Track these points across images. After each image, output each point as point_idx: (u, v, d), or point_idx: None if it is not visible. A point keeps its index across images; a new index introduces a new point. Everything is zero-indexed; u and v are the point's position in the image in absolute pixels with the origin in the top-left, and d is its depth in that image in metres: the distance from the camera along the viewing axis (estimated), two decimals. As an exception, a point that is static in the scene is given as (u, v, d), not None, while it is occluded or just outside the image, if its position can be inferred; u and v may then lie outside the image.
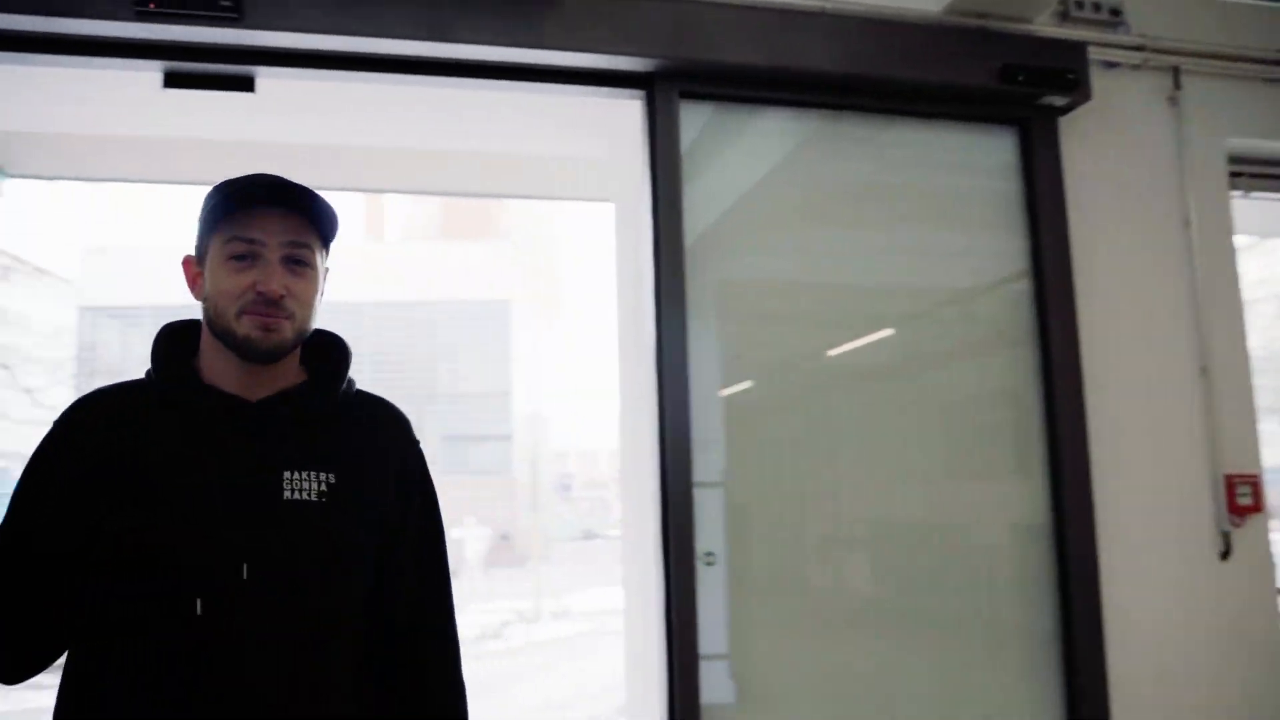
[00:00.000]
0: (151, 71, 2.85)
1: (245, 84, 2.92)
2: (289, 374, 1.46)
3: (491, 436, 25.21)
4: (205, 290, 1.41)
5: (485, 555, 21.73)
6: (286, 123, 3.46)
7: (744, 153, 3.27)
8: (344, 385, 1.50)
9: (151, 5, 2.62)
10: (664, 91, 3.00)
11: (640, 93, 3.06)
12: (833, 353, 3.32)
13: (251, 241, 1.38)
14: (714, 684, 2.93)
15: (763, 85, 3.14)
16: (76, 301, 24.17)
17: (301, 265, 1.41)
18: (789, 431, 3.24)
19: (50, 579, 1.33)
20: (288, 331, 1.39)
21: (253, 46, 2.80)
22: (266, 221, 1.39)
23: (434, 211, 29.92)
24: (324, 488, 1.39)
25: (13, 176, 5.30)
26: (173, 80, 2.87)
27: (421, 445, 1.56)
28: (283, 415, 1.42)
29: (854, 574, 3.24)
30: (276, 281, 1.37)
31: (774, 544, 3.15)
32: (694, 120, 3.11)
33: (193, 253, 1.45)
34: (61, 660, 1.39)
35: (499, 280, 24.50)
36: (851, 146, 3.42)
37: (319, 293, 1.46)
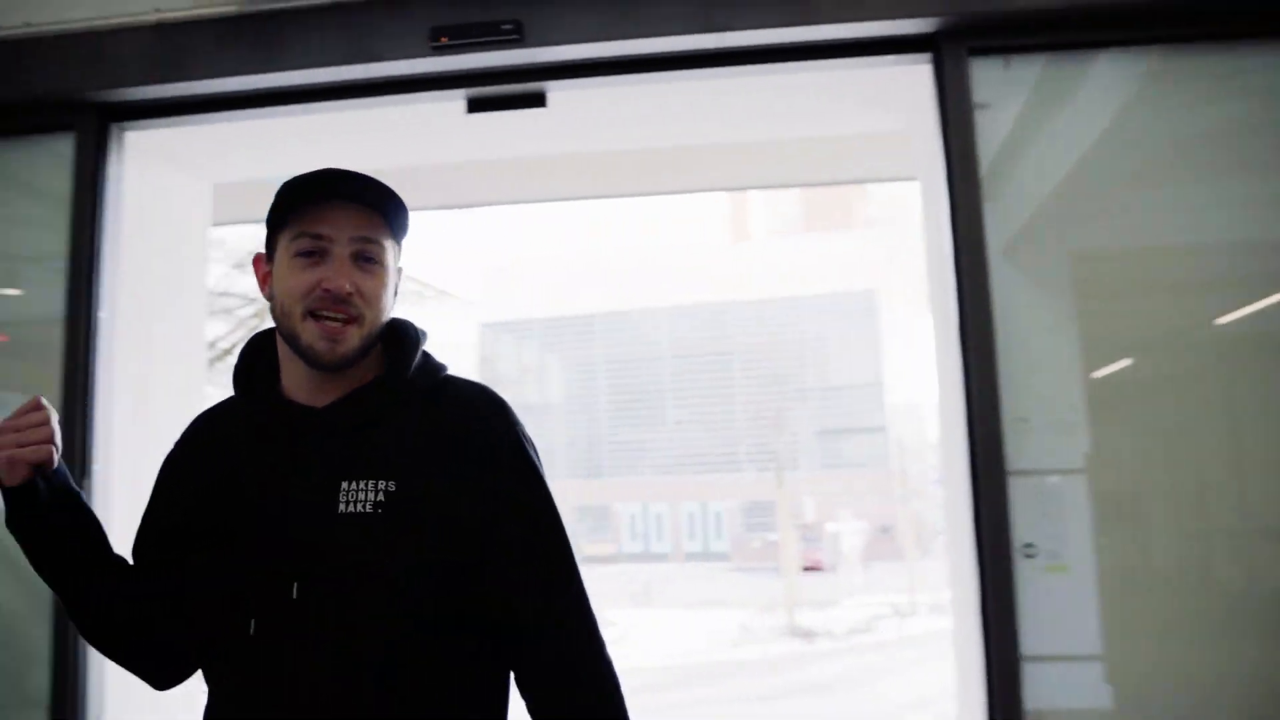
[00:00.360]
0: (455, 100, 3.07)
1: (538, 100, 3.06)
2: (364, 372, 1.36)
3: (865, 429, 24.87)
4: (272, 289, 1.34)
5: (863, 549, 21.47)
6: (577, 132, 3.59)
7: (1075, 108, 2.95)
8: (410, 373, 1.37)
9: (444, 40, 2.82)
10: (951, 51, 2.77)
11: (926, 56, 2.85)
12: (1221, 321, 2.91)
13: (319, 237, 1.30)
14: (1082, 687, 2.68)
15: (1070, 28, 2.81)
16: (478, 319, 26.86)
17: (371, 263, 1.33)
18: (1172, 412, 2.88)
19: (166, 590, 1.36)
20: (354, 340, 1.30)
21: (539, 64, 2.93)
22: (335, 217, 1.31)
23: (795, 207, 30.07)
24: (381, 497, 1.27)
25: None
26: (474, 105, 3.08)
27: (525, 432, 1.39)
28: (347, 420, 1.33)
29: (1262, 570, 2.81)
30: (345, 278, 1.29)
31: (1155, 535, 2.81)
32: (1011, 80, 2.86)
33: (263, 250, 1.38)
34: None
35: (863, 270, 24.13)
36: (1204, 83, 2.98)
37: (392, 291, 1.37)
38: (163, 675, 1.41)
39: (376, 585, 1.25)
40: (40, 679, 2.94)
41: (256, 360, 1.40)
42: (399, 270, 1.39)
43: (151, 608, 1.37)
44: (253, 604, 1.26)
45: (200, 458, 1.40)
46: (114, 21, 3.10)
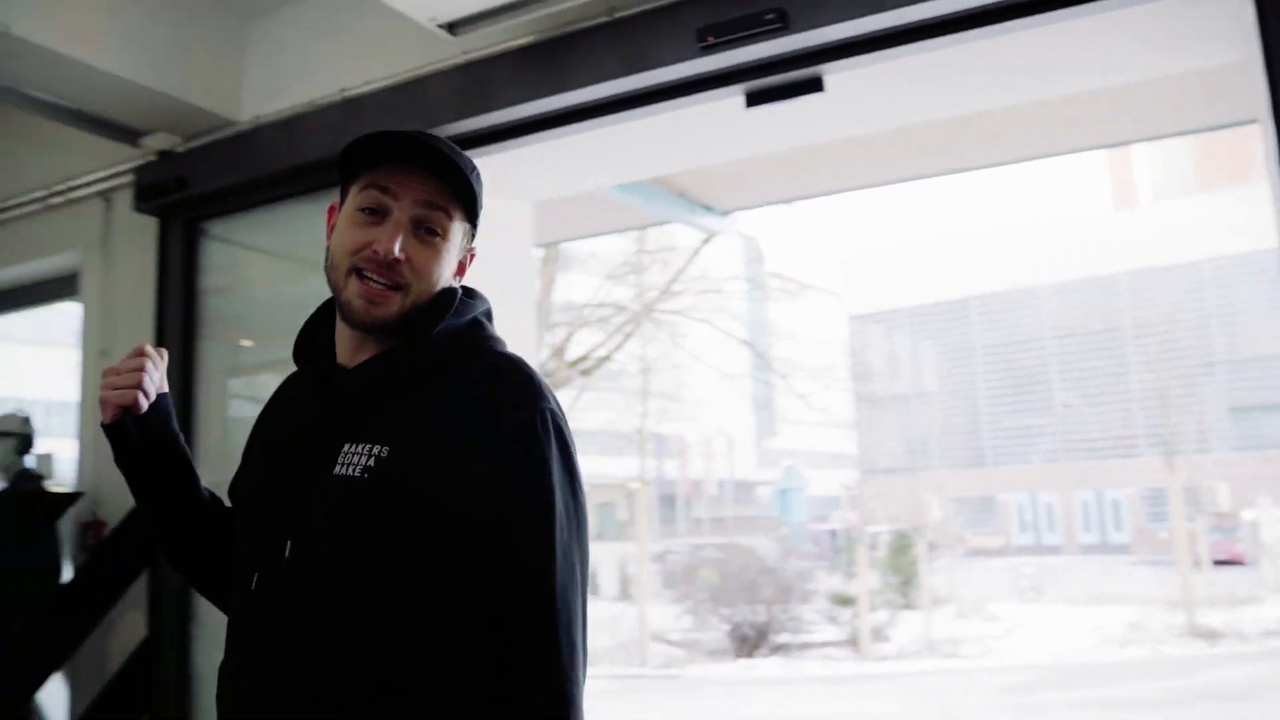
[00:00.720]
0: (735, 96, 3.09)
1: (815, 85, 3.01)
2: (400, 336, 1.33)
3: (1287, 404, 21.90)
4: (332, 239, 1.35)
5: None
6: (856, 113, 3.46)
7: None
8: (430, 341, 1.32)
9: (710, 39, 2.85)
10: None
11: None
12: None
13: (385, 190, 1.30)
14: None
15: None
16: (846, 311, 26.69)
17: (432, 234, 1.31)
18: None
19: None
20: (393, 307, 1.29)
21: (808, 48, 2.88)
22: (405, 179, 1.30)
23: (1185, 166, 27.10)
24: (371, 462, 1.24)
25: (725, 213, 6.08)
26: (752, 99, 3.08)
27: (548, 408, 1.29)
28: (364, 380, 1.31)
29: None
30: (395, 242, 1.27)
31: None
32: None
33: (336, 201, 1.39)
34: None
35: (1268, 229, 21.21)
36: None
37: (450, 266, 1.35)
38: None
39: (356, 551, 1.23)
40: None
41: (320, 327, 1.42)
42: (470, 251, 1.40)
43: (224, 545, 1.45)
44: (256, 561, 1.30)
45: (270, 415, 1.47)
46: (430, 68, 3.43)
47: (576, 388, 14.95)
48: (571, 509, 1.27)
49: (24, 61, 3.54)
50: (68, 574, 4.06)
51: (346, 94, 3.66)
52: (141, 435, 1.37)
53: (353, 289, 1.29)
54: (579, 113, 3.24)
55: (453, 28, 3.17)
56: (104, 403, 1.34)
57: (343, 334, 1.35)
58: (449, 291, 1.36)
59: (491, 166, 3.52)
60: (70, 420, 4.54)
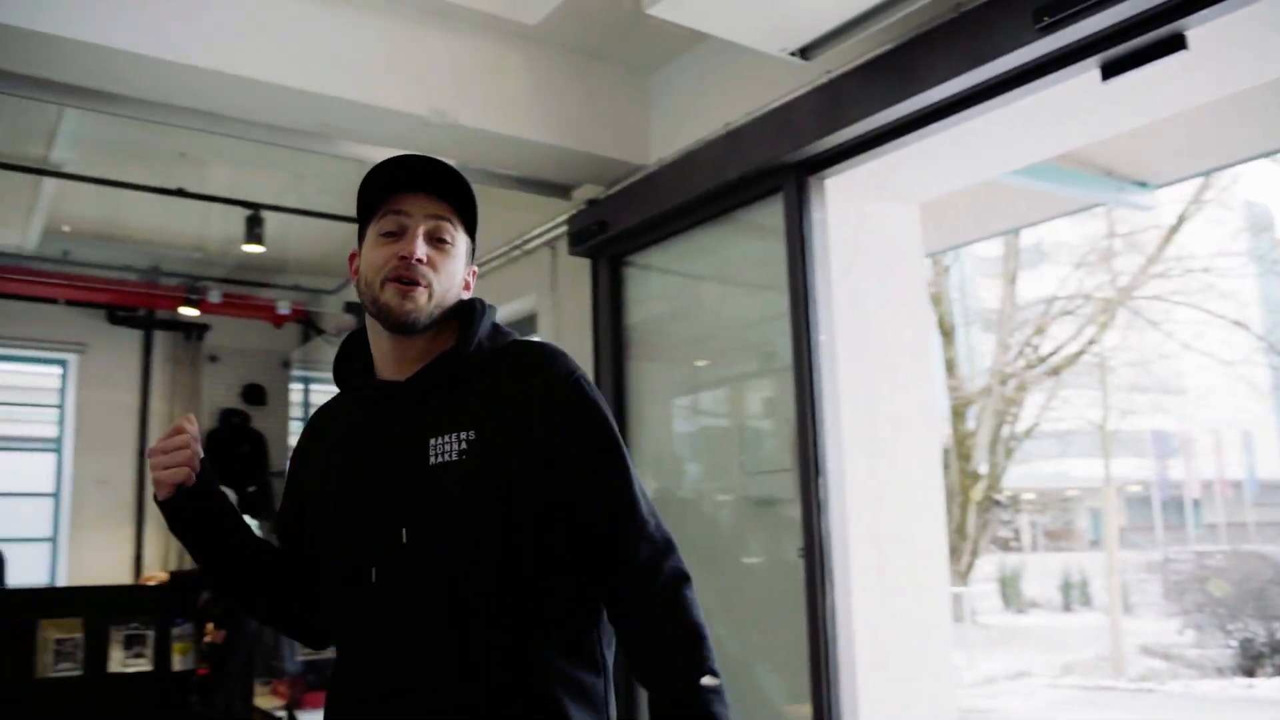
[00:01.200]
0: (1089, 71, 2.97)
1: (1177, 44, 2.81)
2: (439, 345, 1.56)
3: None
4: (360, 269, 1.57)
5: None
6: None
7: None
8: (475, 341, 1.54)
9: (1045, 19, 2.79)
10: None
11: None
12: None
13: (399, 214, 1.53)
14: None
15: None
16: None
17: (442, 242, 1.54)
18: None
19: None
20: (422, 299, 1.50)
21: (1154, 7, 2.71)
22: (416, 200, 1.54)
23: None
24: (464, 445, 1.46)
25: (1157, 187, 5.65)
26: (1109, 70, 2.94)
27: (578, 372, 1.54)
28: (428, 385, 1.52)
29: None
30: (418, 246, 1.50)
31: None
32: None
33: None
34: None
35: None
36: None
37: (460, 272, 1.58)
38: (314, 636, 1.70)
39: (469, 522, 1.44)
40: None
41: (351, 359, 1.65)
42: (470, 264, 1.62)
43: (291, 581, 1.66)
44: (371, 555, 1.48)
45: (315, 444, 1.68)
46: (792, 93, 3.67)
47: (1045, 389, 14.21)
48: (619, 437, 1.55)
49: (471, 143, 4.32)
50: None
51: (730, 127, 4.00)
52: (195, 504, 1.58)
53: (388, 293, 1.51)
54: (933, 113, 3.29)
55: (804, 53, 3.38)
56: (158, 483, 1.54)
57: (384, 355, 1.58)
58: (476, 303, 1.61)
59: (861, 177, 3.69)
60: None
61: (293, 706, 6.71)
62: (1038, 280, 15.92)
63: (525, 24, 4.21)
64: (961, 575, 17.05)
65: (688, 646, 1.42)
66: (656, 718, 1.41)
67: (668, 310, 4.69)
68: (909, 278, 4.20)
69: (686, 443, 4.53)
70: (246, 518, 4.65)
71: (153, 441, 7.71)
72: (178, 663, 5.87)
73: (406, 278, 1.49)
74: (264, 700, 7.01)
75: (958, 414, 18.04)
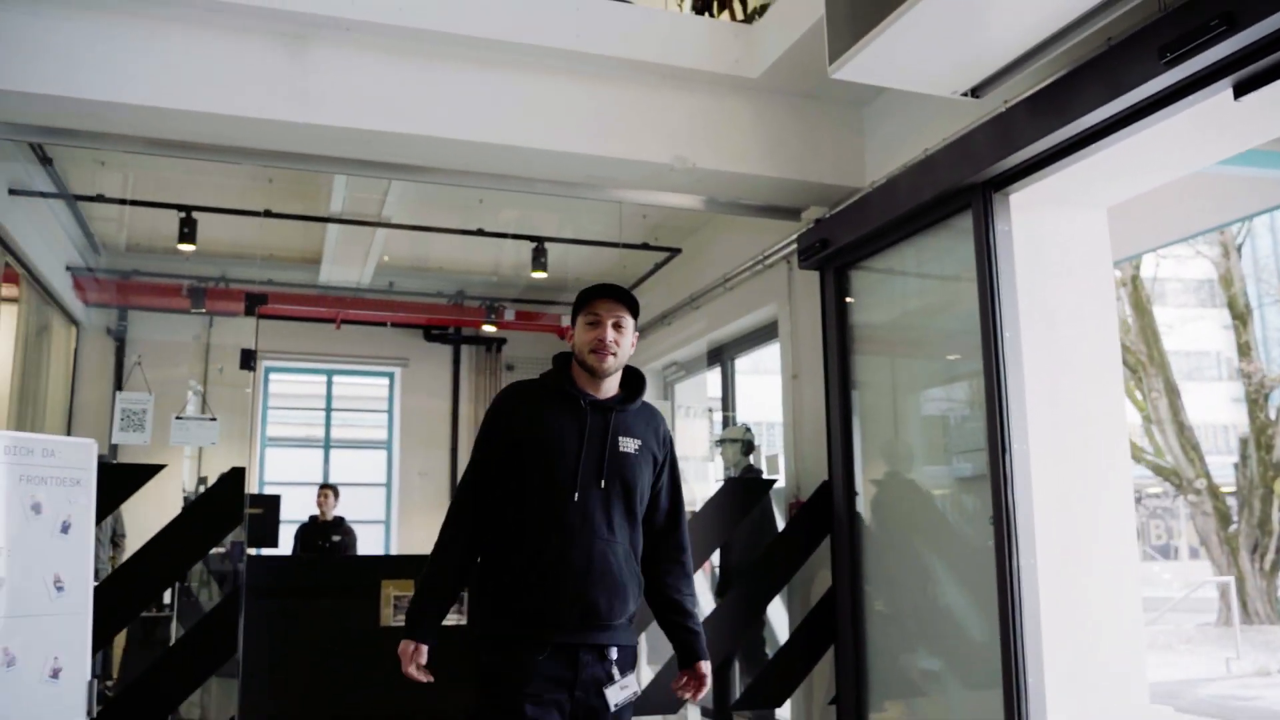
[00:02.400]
0: (1223, 92, 3.39)
1: (1298, 65, 3.20)
2: (614, 387, 2.80)
3: None
4: (574, 341, 2.78)
5: None
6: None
7: None
8: (639, 397, 2.83)
9: (1169, 54, 3.27)
10: None
11: None
12: None
13: (596, 314, 2.74)
14: None
15: None
16: None
17: (619, 328, 2.74)
18: None
19: (496, 483, 2.73)
20: (612, 363, 2.73)
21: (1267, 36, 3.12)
22: (603, 305, 2.74)
23: None
24: (636, 447, 2.77)
25: None
26: (1240, 89, 3.36)
27: (669, 432, 2.93)
28: (615, 408, 2.76)
29: None
30: (609, 334, 2.72)
31: None
32: None
33: (567, 323, 2.72)
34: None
35: None
36: None
37: (630, 343, 2.78)
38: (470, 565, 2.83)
39: (634, 484, 2.77)
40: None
41: (561, 364, 2.83)
42: (635, 334, 2.82)
43: (480, 532, 2.76)
44: (579, 486, 2.67)
45: (527, 411, 2.75)
46: (977, 122, 4.24)
47: None
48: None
49: (710, 182, 5.18)
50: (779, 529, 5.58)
51: (927, 153, 4.61)
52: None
53: (591, 359, 2.73)
54: (1088, 137, 3.80)
55: (974, 92, 3.98)
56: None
57: (584, 378, 2.77)
58: (640, 373, 2.91)
59: (1042, 191, 4.21)
60: (778, 433, 6.13)
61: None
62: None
63: (749, 78, 5.02)
64: (1265, 573, 16.11)
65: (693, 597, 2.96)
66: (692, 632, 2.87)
67: (884, 313, 5.32)
68: (1092, 277, 4.60)
69: (905, 427, 5.14)
70: None
71: (464, 438, 9.03)
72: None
73: (602, 351, 2.72)
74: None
75: (1254, 402, 17.05)
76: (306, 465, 9.25)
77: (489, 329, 9.09)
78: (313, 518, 7.82)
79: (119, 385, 8.43)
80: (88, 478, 4.27)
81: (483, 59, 4.72)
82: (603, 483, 2.68)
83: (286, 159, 4.83)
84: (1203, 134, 3.92)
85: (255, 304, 5.56)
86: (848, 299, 5.44)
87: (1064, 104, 3.74)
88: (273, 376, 9.29)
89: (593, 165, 5.02)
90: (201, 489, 7.22)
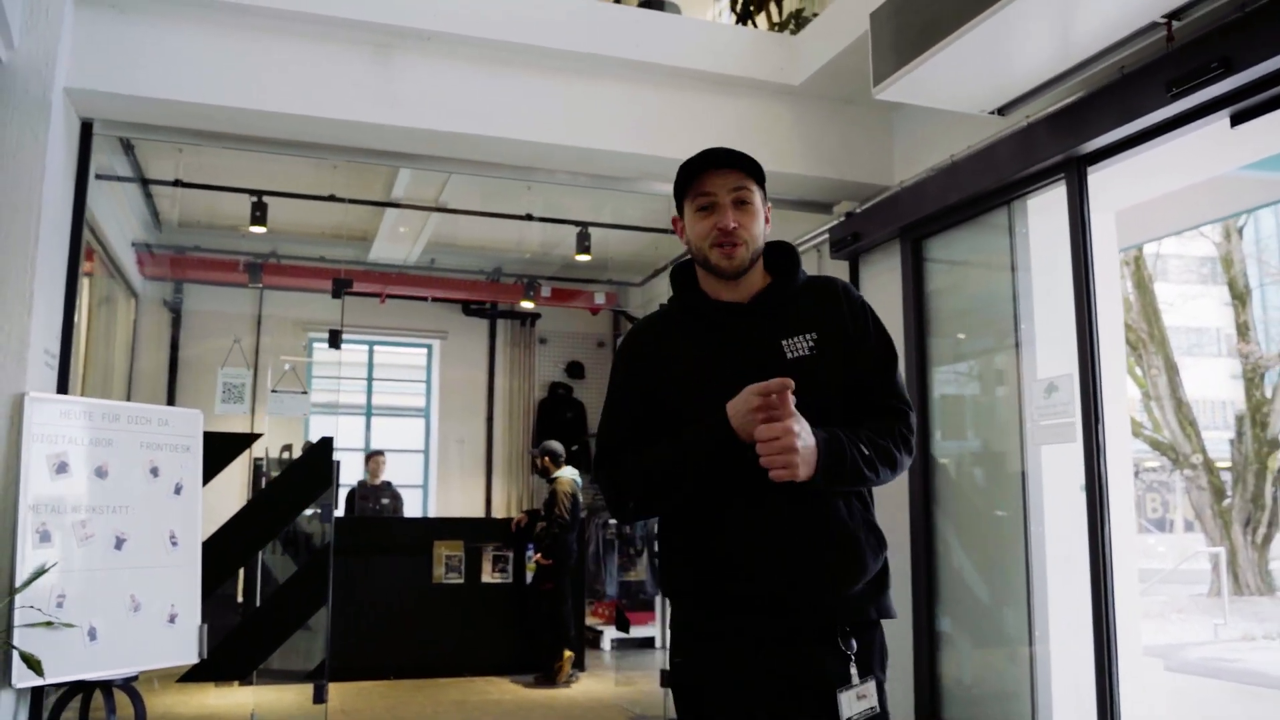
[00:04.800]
0: (1221, 120, 3.84)
1: (1287, 101, 3.65)
2: (759, 279, 2.03)
3: None
4: (687, 236, 2.04)
5: None
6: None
7: None
8: (799, 278, 2.05)
9: (1175, 89, 3.71)
10: None
11: None
12: None
13: (708, 194, 1.97)
14: None
15: None
16: None
17: (745, 204, 1.97)
18: None
19: (648, 437, 1.98)
20: (743, 255, 1.96)
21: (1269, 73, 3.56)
22: (715, 180, 1.98)
23: None
24: (811, 343, 1.95)
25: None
26: (1237, 119, 3.81)
27: (864, 299, 2.08)
28: (767, 305, 2.00)
29: None
30: (729, 218, 1.95)
31: None
32: None
33: (676, 214, 2.10)
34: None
35: None
36: None
37: (762, 221, 2.01)
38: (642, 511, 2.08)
39: (823, 396, 1.91)
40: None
41: (683, 278, 2.11)
42: (767, 206, 2.04)
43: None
44: None
45: (657, 351, 2.05)
46: (1001, 135, 4.69)
47: None
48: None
49: (750, 180, 5.62)
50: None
51: (954, 158, 5.06)
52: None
53: (715, 255, 1.97)
54: (1100, 153, 4.25)
55: (1001, 111, 4.43)
56: (747, 429, 1.82)
57: (715, 284, 2.03)
58: (791, 247, 2.12)
59: (1056, 197, 4.66)
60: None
61: (621, 624, 8.38)
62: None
63: (791, 85, 5.47)
64: (1256, 545, 16.62)
65: (880, 447, 1.93)
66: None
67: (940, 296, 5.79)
68: (1100, 270, 4.98)
69: (965, 406, 5.61)
70: (569, 469, 6.21)
71: (499, 408, 9.49)
72: (528, 578, 7.61)
73: (727, 243, 1.96)
74: (588, 620, 8.67)
75: (1250, 380, 17.50)
76: (349, 431, 9.73)
77: (526, 305, 9.54)
78: (361, 482, 8.33)
79: (175, 353, 8.93)
80: (196, 444, 4.77)
81: (548, 66, 5.16)
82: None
83: (368, 154, 5.29)
84: (1207, 151, 4.37)
85: (342, 288, 6.00)
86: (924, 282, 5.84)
87: (1080, 124, 4.19)
88: (316, 347, 9.78)
89: (645, 164, 5.47)
90: (284, 455, 7.72)
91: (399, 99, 4.93)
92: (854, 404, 1.98)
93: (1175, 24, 3.70)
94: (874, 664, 1.92)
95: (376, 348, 10.26)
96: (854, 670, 1.85)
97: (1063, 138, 4.28)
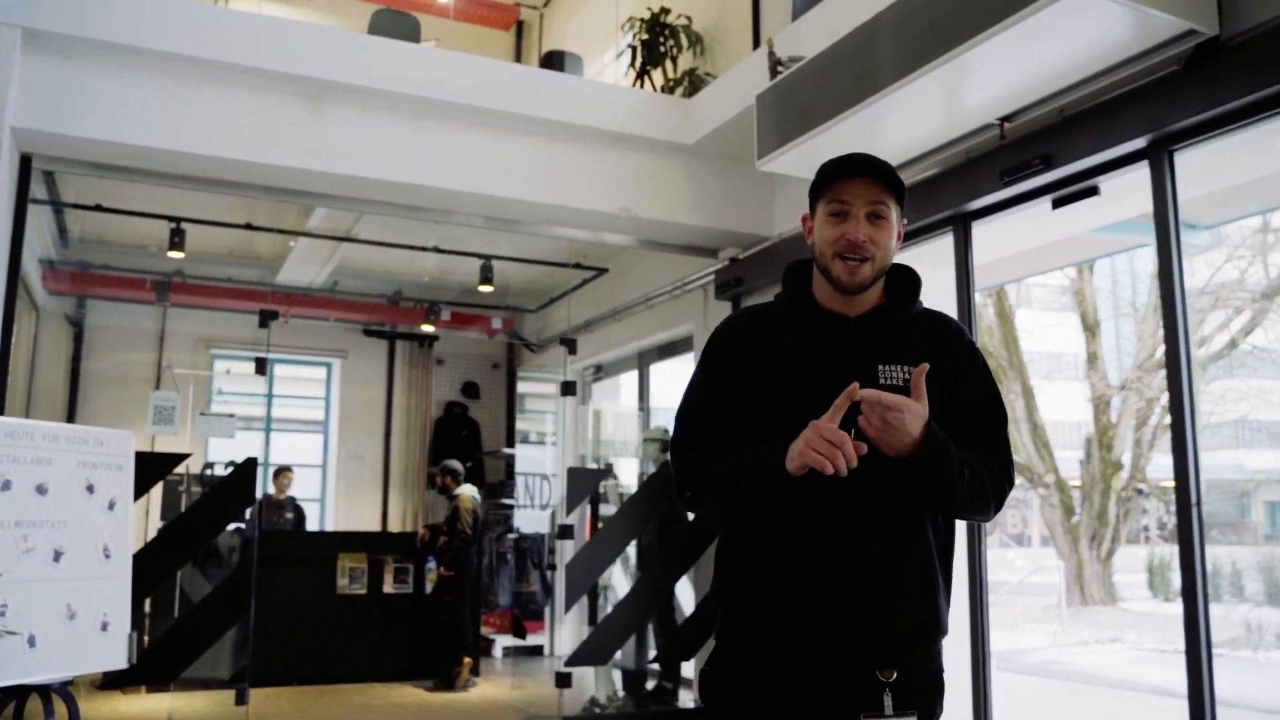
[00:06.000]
0: (1044, 203, 4.58)
1: (1093, 191, 4.40)
2: (874, 296, 1.92)
3: None
4: (814, 239, 1.93)
5: None
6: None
7: None
8: (915, 306, 1.94)
9: (1007, 178, 4.43)
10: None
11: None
12: None
13: (843, 202, 1.86)
14: None
15: None
16: None
17: (880, 219, 1.86)
18: None
19: (725, 436, 1.92)
20: (867, 272, 1.86)
21: (1078, 171, 4.30)
22: (854, 188, 1.87)
23: None
24: (907, 375, 1.82)
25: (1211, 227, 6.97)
26: (1057, 204, 4.56)
27: (970, 336, 2.02)
28: (873, 327, 1.89)
29: None
30: (861, 231, 1.84)
31: None
32: None
33: (808, 212, 1.99)
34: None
35: None
36: None
37: (895, 238, 1.91)
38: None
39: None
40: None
41: (797, 278, 2.01)
42: (902, 222, 1.94)
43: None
44: None
45: (746, 347, 1.95)
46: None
47: (1213, 379, 14.65)
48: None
49: (647, 227, 6.24)
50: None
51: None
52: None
53: (837, 267, 1.86)
54: (947, 222, 4.97)
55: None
56: (807, 460, 1.71)
57: (829, 292, 1.92)
58: (914, 274, 1.99)
59: (920, 254, 5.34)
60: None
61: (518, 632, 8.86)
62: (1190, 270, 16.30)
63: (685, 144, 6.08)
64: (1101, 560, 17.90)
65: (982, 475, 1.86)
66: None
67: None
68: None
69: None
70: (469, 486, 6.80)
71: (396, 425, 9.89)
72: (428, 589, 8.03)
73: (852, 256, 1.85)
74: (482, 629, 9.10)
75: (1097, 406, 18.84)
76: (249, 446, 9.92)
77: (427, 328, 9.93)
78: (267, 495, 8.61)
79: (76, 367, 9.04)
80: (128, 463, 5.09)
81: (464, 121, 5.67)
82: (851, 434, 1.74)
83: (296, 195, 5.69)
84: (1053, 221, 5.14)
85: (268, 318, 6.33)
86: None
87: (932, 198, 4.90)
88: (216, 364, 9.97)
89: (548, 211, 6.03)
90: (206, 472, 7.95)
91: (328, 146, 5.37)
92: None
93: (1007, 125, 4.43)
94: (927, 707, 1.85)
95: (277, 365, 10.50)
96: (888, 700, 1.78)
97: (918, 206, 4.98)
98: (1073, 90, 4.09)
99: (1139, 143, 4.02)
